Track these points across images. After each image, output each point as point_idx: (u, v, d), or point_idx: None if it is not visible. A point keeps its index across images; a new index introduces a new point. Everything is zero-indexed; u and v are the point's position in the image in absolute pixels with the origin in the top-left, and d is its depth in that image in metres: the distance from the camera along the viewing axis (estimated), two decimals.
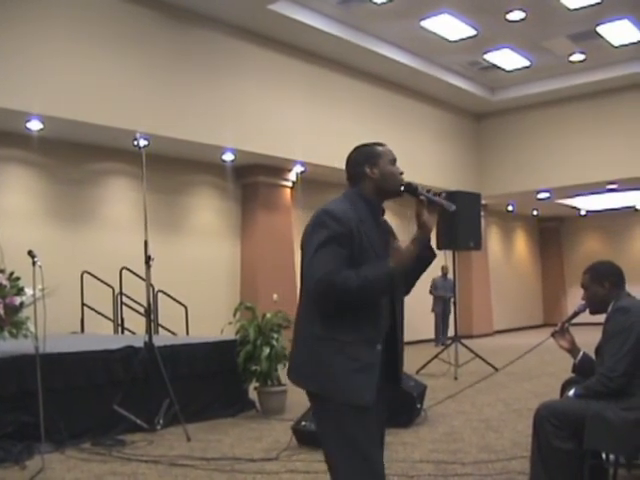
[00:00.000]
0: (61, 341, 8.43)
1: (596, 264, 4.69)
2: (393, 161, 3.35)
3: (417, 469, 5.76)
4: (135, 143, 8.53)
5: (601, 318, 4.50)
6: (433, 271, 17.55)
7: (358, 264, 3.09)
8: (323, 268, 3.04)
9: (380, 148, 3.37)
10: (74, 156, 12.13)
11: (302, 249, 3.23)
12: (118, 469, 6.01)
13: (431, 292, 17.55)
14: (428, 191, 3.26)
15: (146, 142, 8.50)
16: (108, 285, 11.61)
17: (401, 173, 3.34)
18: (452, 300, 15.33)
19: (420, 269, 3.37)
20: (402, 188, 3.29)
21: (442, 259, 16.18)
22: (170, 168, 13.44)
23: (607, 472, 4.59)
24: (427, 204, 3.22)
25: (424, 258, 3.33)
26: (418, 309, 18.01)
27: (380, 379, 3.20)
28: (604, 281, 4.52)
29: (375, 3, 12.94)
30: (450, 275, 16.82)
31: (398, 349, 3.34)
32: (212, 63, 12.62)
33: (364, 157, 3.33)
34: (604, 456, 4.52)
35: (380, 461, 3.23)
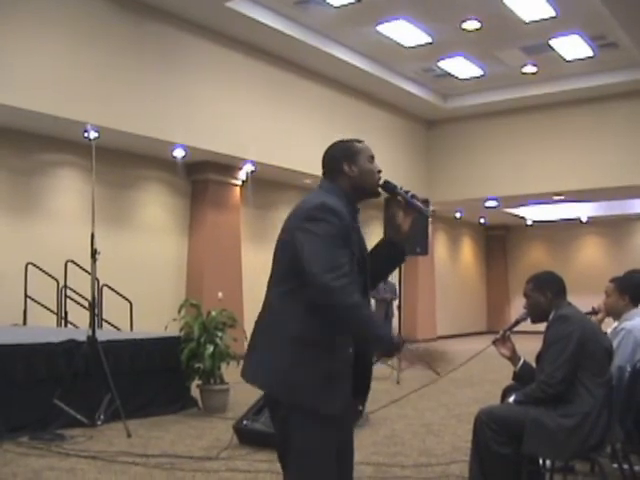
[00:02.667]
0: (2, 333, 8.31)
1: (539, 274, 4.76)
2: (371, 158, 3.27)
3: (357, 471, 5.74)
4: (85, 135, 8.45)
5: (542, 327, 4.56)
6: None
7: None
8: (329, 268, 2.87)
9: (359, 145, 3.29)
10: (23, 145, 11.95)
11: (285, 243, 3.06)
12: (56, 464, 5.94)
13: (373, 296, 17.61)
14: (407, 192, 3.22)
15: (96, 134, 8.41)
16: (53, 277, 11.46)
17: (379, 171, 3.26)
18: (394, 303, 15.41)
19: (387, 271, 3.37)
20: (380, 187, 3.22)
21: None
22: (120, 162, 13.33)
23: (544, 477, 4.68)
24: (404, 206, 3.18)
25: (394, 261, 3.33)
26: None
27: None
28: (546, 290, 4.58)
29: (332, 6, 12.97)
30: (391, 278, 16.89)
31: (368, 359, 3.26)
32: (166, 58, 12.54)
33: (342, 153, 3.24)
34: (541, 461, 4.60)
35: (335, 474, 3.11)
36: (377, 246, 3.33)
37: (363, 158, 3.23)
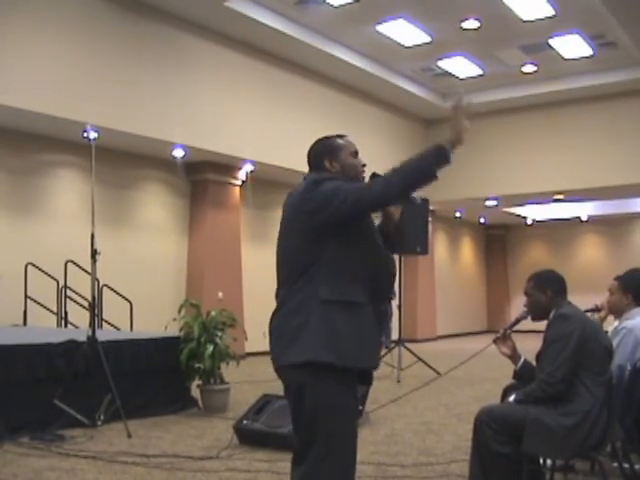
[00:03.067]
0: (2, 333, 8.32)
1: (539, 272, 4.76)
2: (355, 153, 3.33)
3: (358, 470, 5.69)
4: (85, 135, 8.46)
5: (542, 325, 4.56)
6: None
7: (356, 244, 3.15)
8: (362, 190, 3.11)
9: (341, 141, 3.34)
10: (23, 146, 11.96)
11: (290, 220, 3.22)
12: (57, 464, 5.94)
13: None
14: None
15: (96, 134, 8.41)
16: (53, 278, 11.46)
17: (363, 165, 3.32)
18: (394, 302, 15.40)
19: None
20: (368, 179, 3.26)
21: None
22: (119, 162, 13.34)
23: (544, 476, 4.67)
24: None
25: (389, 248, 3.37)
26: None
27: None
28: (547, 289, 4.58)
29: (332, 5, 12.97)
30: None
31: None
32: (166, 58, 12.54)
33: (324, 150, 3.32)
34: (541, 461, 4.60)
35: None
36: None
37: (345, 154, 3.31)
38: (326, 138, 3.39)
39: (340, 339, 3.09)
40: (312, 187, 3.16)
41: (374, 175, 3.26)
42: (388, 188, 3.02)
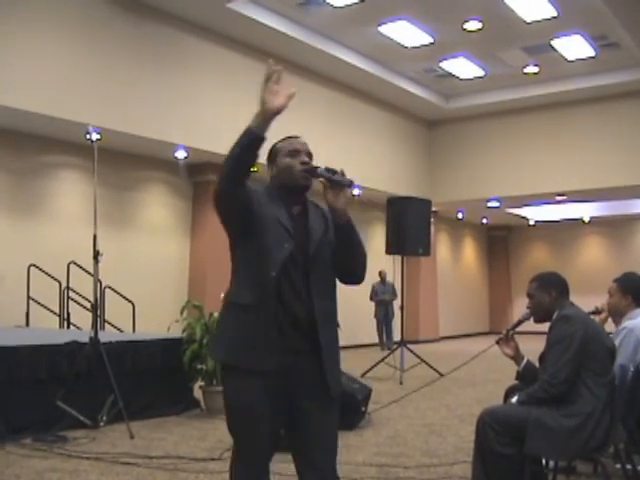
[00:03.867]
0: (5, 334, 8.32)
1: (543, 273, 4.76)
2: (293, 152, 3.26)
3: (360, 472, 5.78)
4: (87, 136, 8.45)
5: (545, 327, 4.56)
6: (372, 277, 17.63)
7: (257, 223, 3.11)
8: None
9: (280, 143, 3.34)
10: (25, 147, 11.98)
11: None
12: (59, 465, 5.94)
13: (372, 298, 17.62)
14: (328, 170, 3.15)
15: (98, 136, 8.41)
16: (55, 279, 11.47)
17: (302, 162, 3.23)
18: (395, 303, 15.39)
19: (350, 254, 3.28)
20: (303, 175, 3.21)
21: (388, 264, 16.29)
22: (122, 163, 13.34)
23: (546, 477, 4.67)
24: (329, 185, 3.13)
25: (349, 241, 3.25)
26: (361, 314, 18.09)
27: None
28: (550, 290, 4.58)
29: (334, 7, 12.98)
30: (389, 279, 16.90)
31: (322, 349, 3.16)
32: (167, 59, 12.56)
33: (267, 158, 3.36)
34: (544, 462, 4.59)
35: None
36: (334, 234, 3.27)
37: (281, 156, 3.29)
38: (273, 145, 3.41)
39: (227, 339, 3.19)
40: None
41: (307, 169, 3.21)
42: (219, 177, 3.08)
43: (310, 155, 3.30)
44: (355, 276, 3.36)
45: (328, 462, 3.35)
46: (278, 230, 3.13)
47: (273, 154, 3.32)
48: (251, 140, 3.05)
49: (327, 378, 3.17)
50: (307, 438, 3.24)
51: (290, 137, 3.37)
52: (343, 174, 3.12)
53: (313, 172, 3.17)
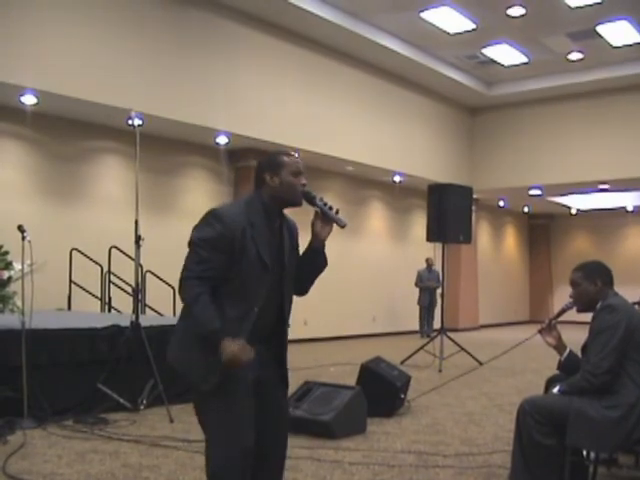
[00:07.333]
0: (47, 317, 8.40)
1: (588, 262, 4.70)
2: (296, 173, 3.44)
3: (398, 459, 5.78)
4: (129, 122, 8.51)
5: (588, 317, 4.51)
6: (419, 263, 17.60)
7: (235, 264, 3.27)
8: (189, 267, 3.28)
9: (285, 159, 3.46)
10: (68, 132, 12.09)
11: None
12: (99, 447, 6.01)
13: (416, 284, 17.58)
14: (325, 204, 3.43)
15: (140, 121, 8.46)
16: (97, 263, 11.57)
17: (303, 185, 3.44)
18: (438, 291, 15.33)
19: (312, 273, 3.54)
20: (301, 198, 3.44)
21: (429, 251, 16.23)
22: (163, 148, 13.42)
23: (587, 469, 4.62)
24: (322, 216, 3.43)
25: (316, 264, 3.51)
26: (403, 301, 18.08)
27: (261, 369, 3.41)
28: (596, 279, 4.52)
29: None
30: (435, 267, 16.87)
31: (284, 343, 3.55)
32: (209, 46, 12.58)
33: (267, 165, 3.46)
34: (585, 453, 4.54)
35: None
36: (305, 251, 3.55)
37: (286, 172, 3.43)
38: (273, 153, 3.54)
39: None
40: (211, 219, 3.40)
41: (306, 194, 3.45)
42: (185, 295, 3.30)
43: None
44: (305, 290, 3.62)
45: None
46: (258, 265, 3.33)
47: (278, 166, 3.44)
48: (211, 338, 3.26)
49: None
50: None
51: (289, 154, 3.53)
52: (337, 212, 3.45)
53: (312, 201, 3.44)
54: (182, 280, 3.28)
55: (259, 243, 3.33)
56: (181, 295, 3.32)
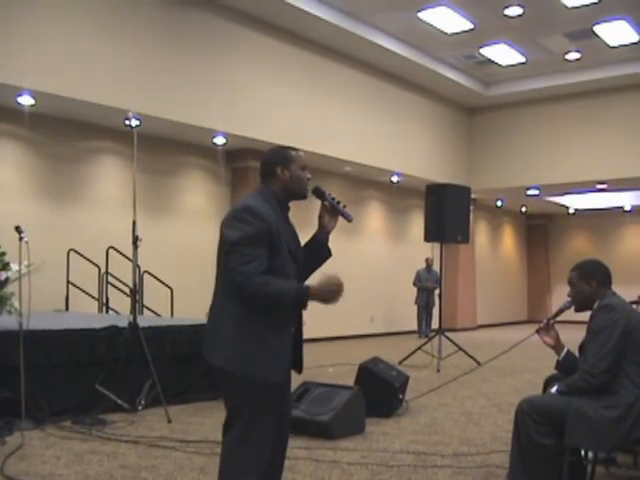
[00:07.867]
0: (45, 318, 8.40)
1: (584, 262, 4.70)
2: (303, 167, 3.58)
3: (397, 459, 5.78)
4: (127, 122, 8.51)
5: (586, 316, 4.51)
6: (417, 263, 17.60)
7: (273, 259, 3.36)
8: (241, 270, 3.28)
9: (293, 153, 3.60)
10: (65, 133, 12.07)
11: (221, 238, 3.44)
12: (98, 448, 6.00)
13: (415, 284, 17.56)
14: (333, 199, 3.64)
15: (138, 122, 8.46)
16: (94, 264, 11.56)
17: (308, 179, 3.58)
18: (436, 292, 15.32)
19: (315, 264, 3.69)
20: (311, 191, 3.63)
21: (427, 251, 16.22)
22: (160, 149, 13.41)
23: (585, 469, 4.62)
24: (330, 210, 3.64)
25: (320, 256, 3.68)
26: (401, 301, 18.07)
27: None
28: (592, 279, 4.52)
29: None
30: (434, 267, 16.87)
31: (301, 335, 3.64)
32: (207, 46, 12.56)
33: (277, 158, 3.57)
34: (583, 453, 4.54)
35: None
36: (307, 243, 3.71)
37: (295, 165, 3.57)
38: (280, 148, 3.67)
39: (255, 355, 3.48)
40: (246, 216, 3.38)
41: (316, 188, 3.64)
42: (253, 291, 3.30)
43: None
44: (305, 280, 3.67)
45: None
46: (289, 258, 3.47)
47: (289, 160, 3.57)
48: (298, 302, 3.41)
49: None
50: None
51: (295, 148, 3.67)
52: (345, 207, 3.66)
53: (322, 195, 3.64)
54: (241, 284, 3.28)
55: (286, 236, 3.46)
56: (247, 295, 3.31)
